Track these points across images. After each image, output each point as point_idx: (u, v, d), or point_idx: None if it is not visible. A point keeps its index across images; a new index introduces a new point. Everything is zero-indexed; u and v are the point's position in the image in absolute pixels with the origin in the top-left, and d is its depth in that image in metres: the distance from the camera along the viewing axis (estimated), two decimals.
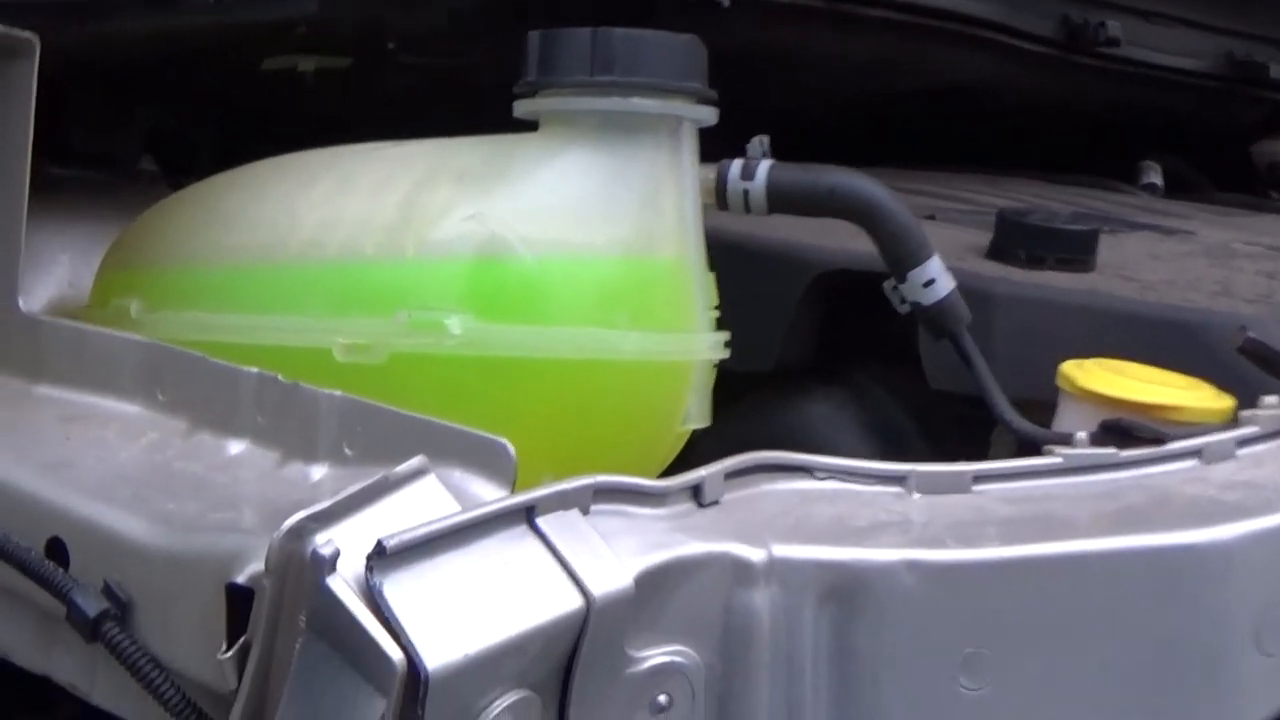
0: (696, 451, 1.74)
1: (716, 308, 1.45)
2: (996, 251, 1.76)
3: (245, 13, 1.49)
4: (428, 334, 1.32)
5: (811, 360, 1.82)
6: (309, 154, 1.46)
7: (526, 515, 1.06)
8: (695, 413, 1.42)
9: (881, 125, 2.37)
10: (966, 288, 1.59)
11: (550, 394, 1.34)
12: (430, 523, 1.03)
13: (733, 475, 1.23)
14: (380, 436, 1.20)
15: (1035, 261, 1.71)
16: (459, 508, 1.07)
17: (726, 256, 1.73)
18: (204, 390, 1.31)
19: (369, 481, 1.10)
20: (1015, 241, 1.72)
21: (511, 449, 1.12)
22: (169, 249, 1.44)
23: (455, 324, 1.32)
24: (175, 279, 1.43)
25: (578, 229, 1.36)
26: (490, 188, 1.37)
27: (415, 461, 1.13)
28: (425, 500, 1.10)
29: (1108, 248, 1.87)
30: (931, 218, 1.99)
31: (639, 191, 1.39)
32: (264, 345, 1.37)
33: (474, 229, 1.34)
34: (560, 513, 1.08)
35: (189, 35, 1.59)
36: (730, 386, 1.79)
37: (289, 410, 1.26)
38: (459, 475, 1.15)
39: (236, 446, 1.29)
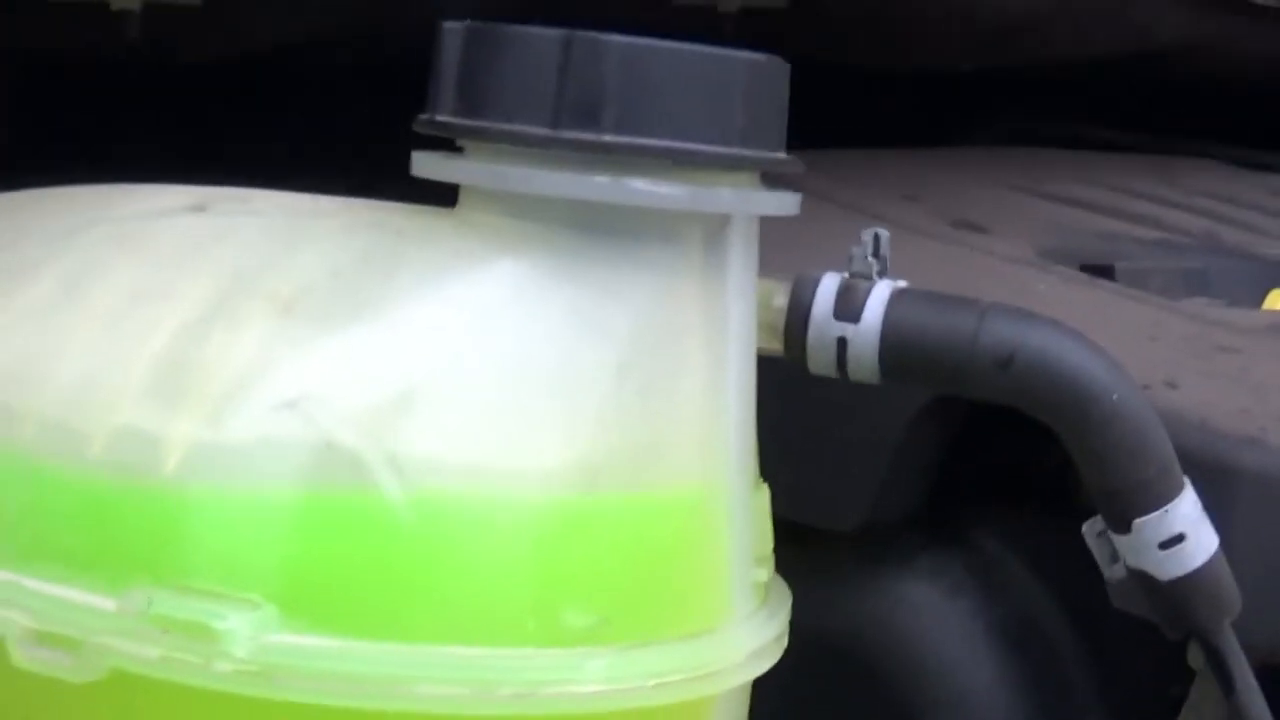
0: None
1: (769, 555, 0.78)
2: None
3: None
4: (183, 643, 0.66)
5: (916, 513, 1.14)
6: (33, 211, 0.79)
7: None
8: None
9: (1023, 98, 1.68)
10: (1190, 450, 0.92)
11: None
12: None
13: None
14: None
15: None
16: None
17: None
18: None
19: None
20: None
21: None
22: None
23: (238, 631, 0.65)
24: None
25: (505, 439, 0.68)
26: (340, 341, 0.69)
27: None
28: None
29: None
30: (1109, 270, 1.30)
31: (636, 361, 0.71)
32: None
33: (296, 430, 0.67)
34: None
35: None
36: (792, 549, 1.16)
37: None
38: None
39: None
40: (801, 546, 1.16)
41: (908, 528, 1.16)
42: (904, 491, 1.13)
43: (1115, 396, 0.78)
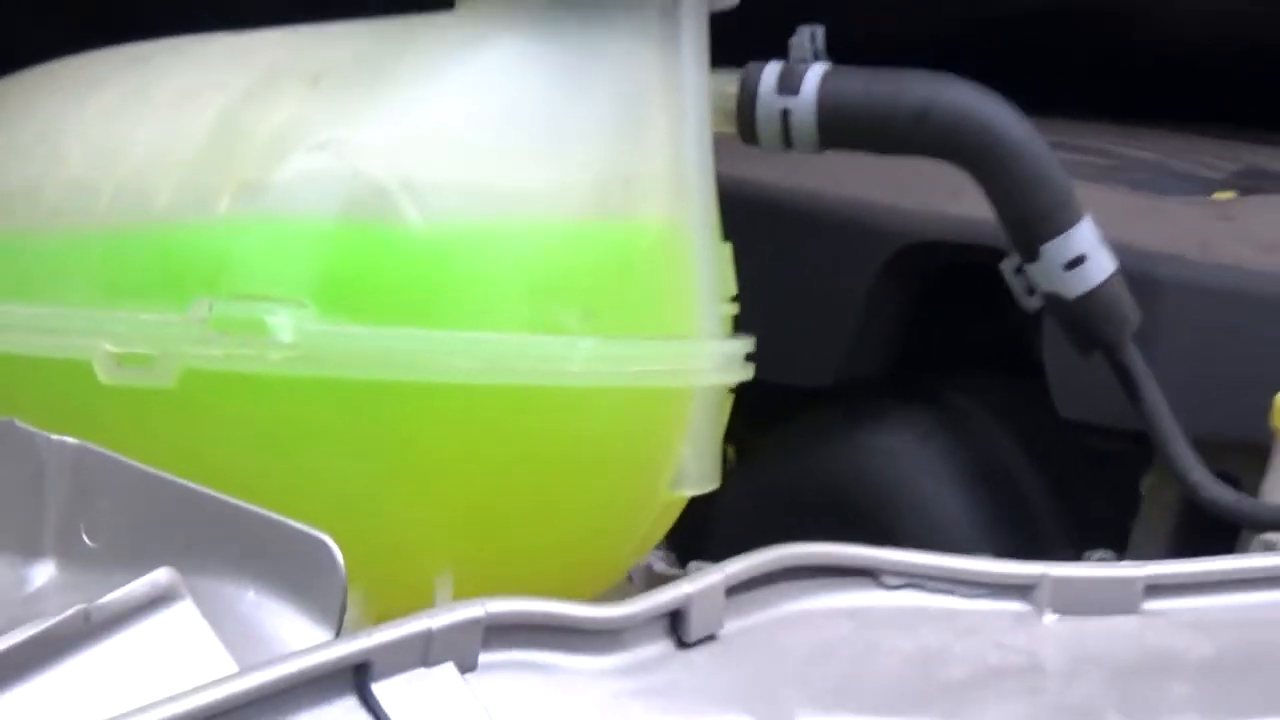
0: (719, 510, 1.23)
1: (735, 299, 0.92)
2: None
3: None
4: (240, 340, 0.80)
5: (888, 372, 1.27)
6: (101, 54, 0.94)
7: (355, 679, 0.63)
8: (695, 469, 0.88)
9: (977, 49, 1.81)
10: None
11: (443, 440, 0.81)
12: (164, 702, 0.59)
13: (741, 588, 0.75)
14: (137, 518, 0.72)
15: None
16: (231, 662, 0.66)
17: (763, 221, 1.21)
18: None
19: (66, 616, 0.64)
20: None
21: (337, 554, 0.66)
22: None
23: (284, 324, 0.79)
24: None
25: (503, 171, 0.83)
26: (363, 99, 0.84)
27: (157, 579, 0.67)
28: (170, 646, 0.67)
29: None
30: None
31: (608, 110, 0.85)
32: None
33: (327, 165, 0.81)
34: (418, 672, 0.65)
35: None
36: (773, 407, 1.28)
37: (4, 466, 0.77)
38: (251, 598, 0.69)
39: None
40: (786, 410, 1.30)
41: (881, 388, 1.30)
42: (873, 349, 1.27)
43: (1016, 134, 0.92)
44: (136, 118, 0.86)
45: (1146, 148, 1.73)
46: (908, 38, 1.78)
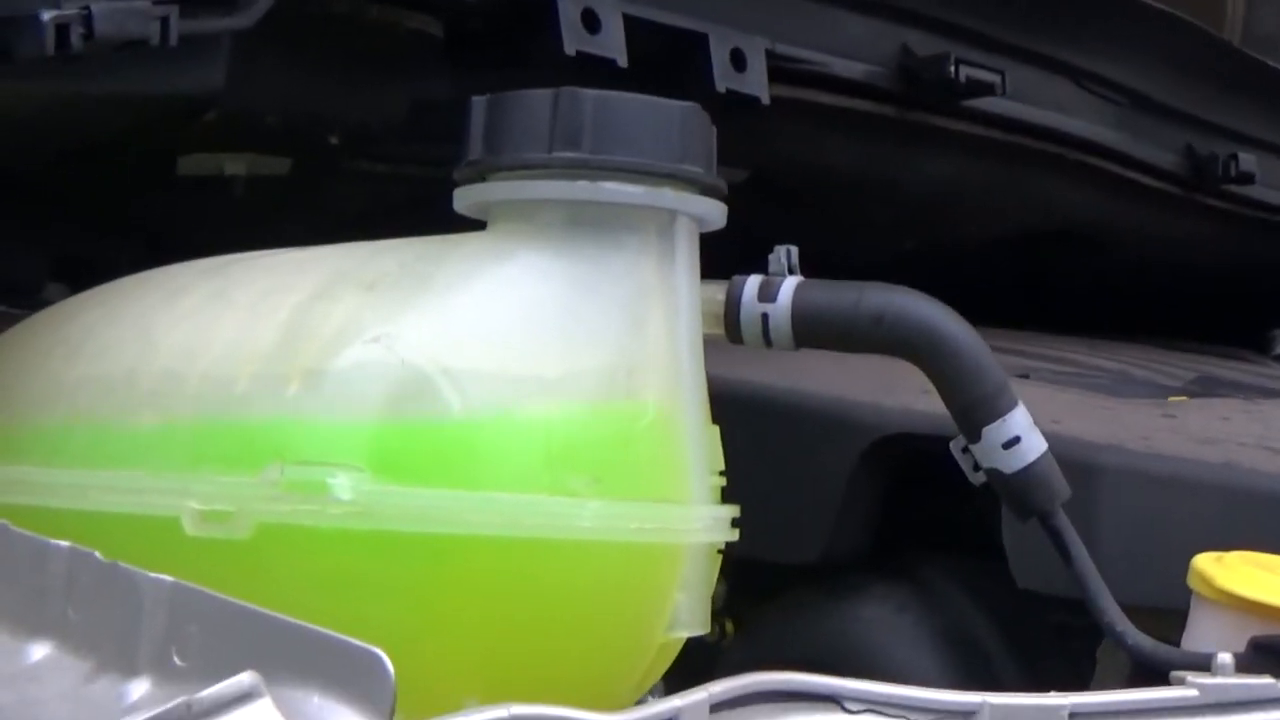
0: (719, 669, 1.38)
1: (722, 473, 1.07)
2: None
3: (108, 82, 1.13)
4: (305, 499, 0.95)
5: (867, 550, 1.43)
6: (187, 265, 1.10)
7: None
8: (687, 615, 1.03)
9: (955, 272, 1.99)
10: (1064, 458, 1.21)
11: (474, 585, 0.96)
12: None
13: (723, 706, 0.88)
14: (220, 640, 0.86)
15: None
16: None
17: (756, 417, 1.38)
18: (2, 570, 0.95)
19: (171, 705, 0.80)
20: None
21: (388, 664, 0.79)
22: None
23: (343, 485, 0.95)
24: (3, 425, 1.07)
25: (526, 361, 0.99)
26: (409, 301, 1.00)
27: (242, 680, 0.81)
28: None
29: (1244, 416, 1.49)
30: (1025, 376, 1.61)
31: (614, 311, 1.02)
32: (103, 512, 1.01)
33: (379, 357, 0.97)
34: None
35: (71, 124, 1.25)
36: (766, 582, 1.43)
37: (107, 601, 0.92)
38: (316, 701, 0.82)
39: (39, 650, 0.97)
40: (779, 585, 1.45)
41: (862, 564, 1.45)
42: (854, 529, 1.42)
43: (958, 334, 1.08)
44: (218, 317, 1.02)
45: (1111, 358, 1.90)
46: (896, 258, 1.97)
